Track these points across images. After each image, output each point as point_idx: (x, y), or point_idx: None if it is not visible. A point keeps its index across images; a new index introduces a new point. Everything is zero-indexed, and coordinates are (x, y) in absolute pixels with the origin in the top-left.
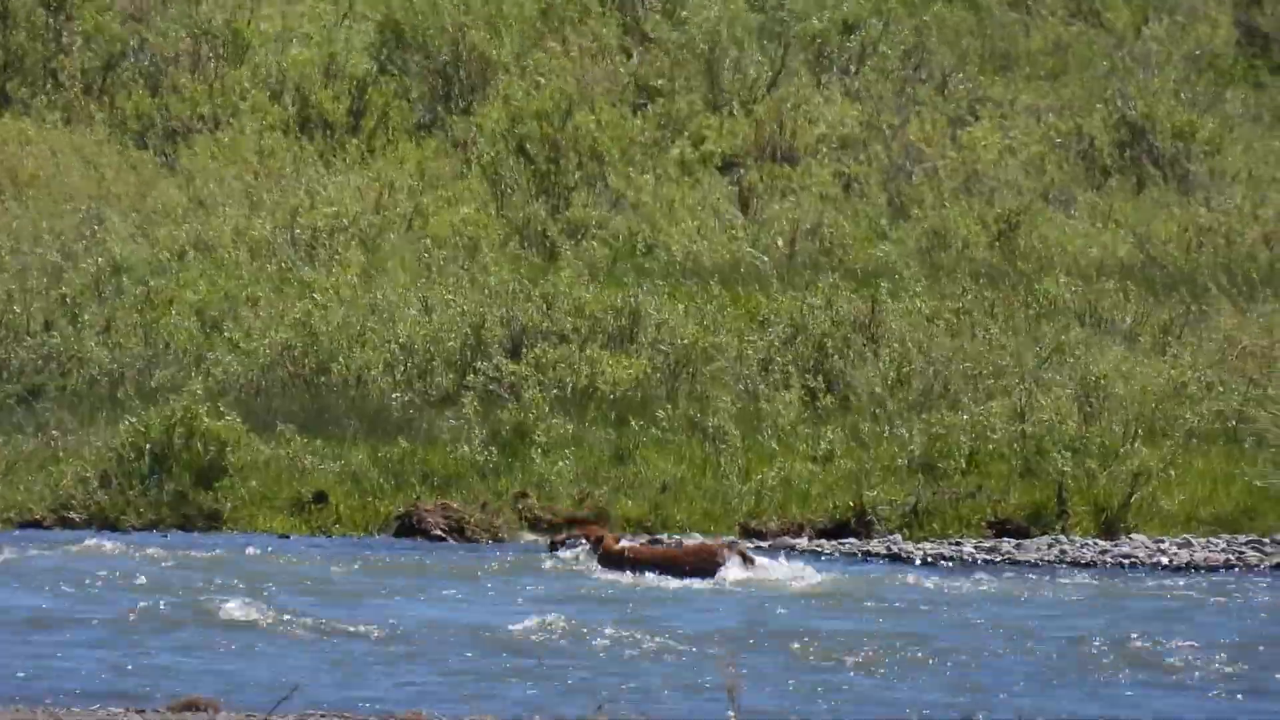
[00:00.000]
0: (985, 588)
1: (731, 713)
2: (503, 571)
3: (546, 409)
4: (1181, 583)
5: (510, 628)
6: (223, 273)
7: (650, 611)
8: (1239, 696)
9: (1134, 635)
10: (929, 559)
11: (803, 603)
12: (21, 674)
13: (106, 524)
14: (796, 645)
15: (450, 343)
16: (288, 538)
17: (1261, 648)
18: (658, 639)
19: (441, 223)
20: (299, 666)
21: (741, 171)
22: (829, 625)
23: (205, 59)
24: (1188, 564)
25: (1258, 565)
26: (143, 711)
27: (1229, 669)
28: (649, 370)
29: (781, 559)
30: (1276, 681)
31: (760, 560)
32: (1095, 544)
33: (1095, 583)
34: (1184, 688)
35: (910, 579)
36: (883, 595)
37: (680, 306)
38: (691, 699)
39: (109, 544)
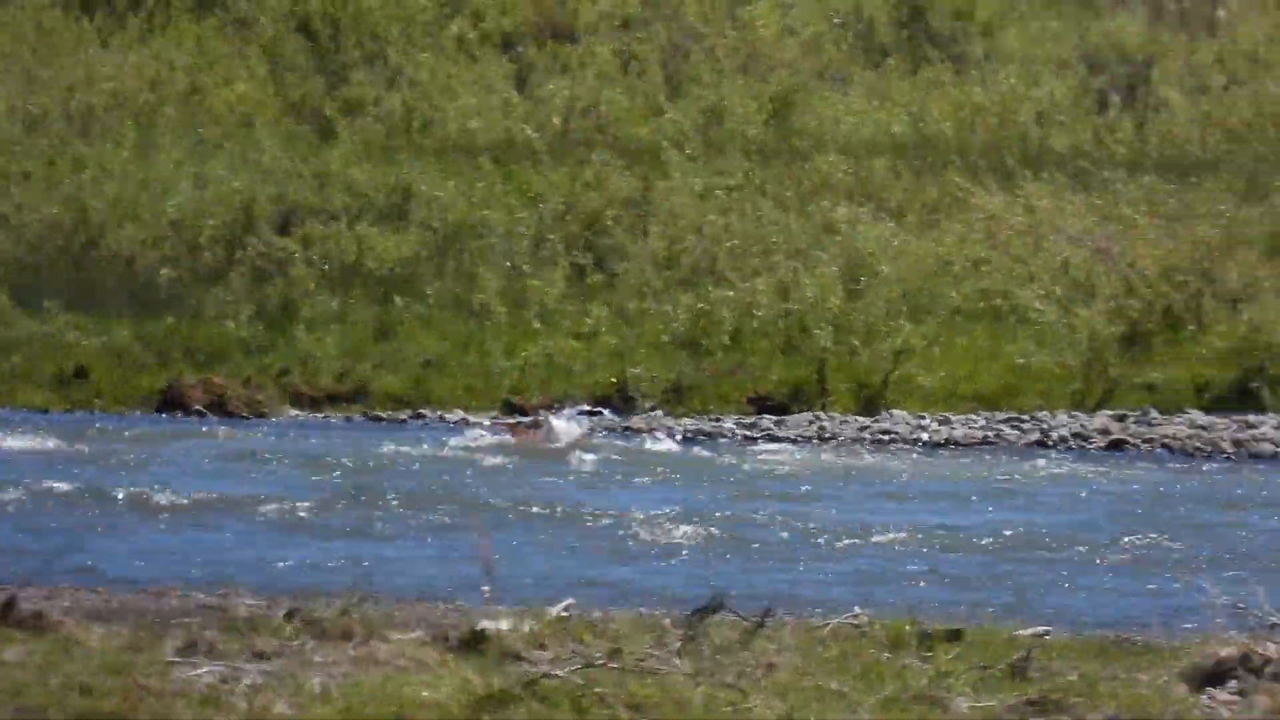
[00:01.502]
0: (735, 460)
1: (486, 587)
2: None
3: (313, 286)
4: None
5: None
6: None
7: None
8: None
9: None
10: (689, 434)
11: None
12: None
13: None
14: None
15: (220, 219)
16: (47, 412)
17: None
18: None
19: (218, 100)
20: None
21: (520, 49)
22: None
23: None
24: (947, 440)
25: (1015, 442)
26: None
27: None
28: (418, 248)
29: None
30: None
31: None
32: (855, 420)
33: (855, 459)
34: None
35: (664, 448)
36: (643, 464)
37: (451, 184)
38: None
39: None
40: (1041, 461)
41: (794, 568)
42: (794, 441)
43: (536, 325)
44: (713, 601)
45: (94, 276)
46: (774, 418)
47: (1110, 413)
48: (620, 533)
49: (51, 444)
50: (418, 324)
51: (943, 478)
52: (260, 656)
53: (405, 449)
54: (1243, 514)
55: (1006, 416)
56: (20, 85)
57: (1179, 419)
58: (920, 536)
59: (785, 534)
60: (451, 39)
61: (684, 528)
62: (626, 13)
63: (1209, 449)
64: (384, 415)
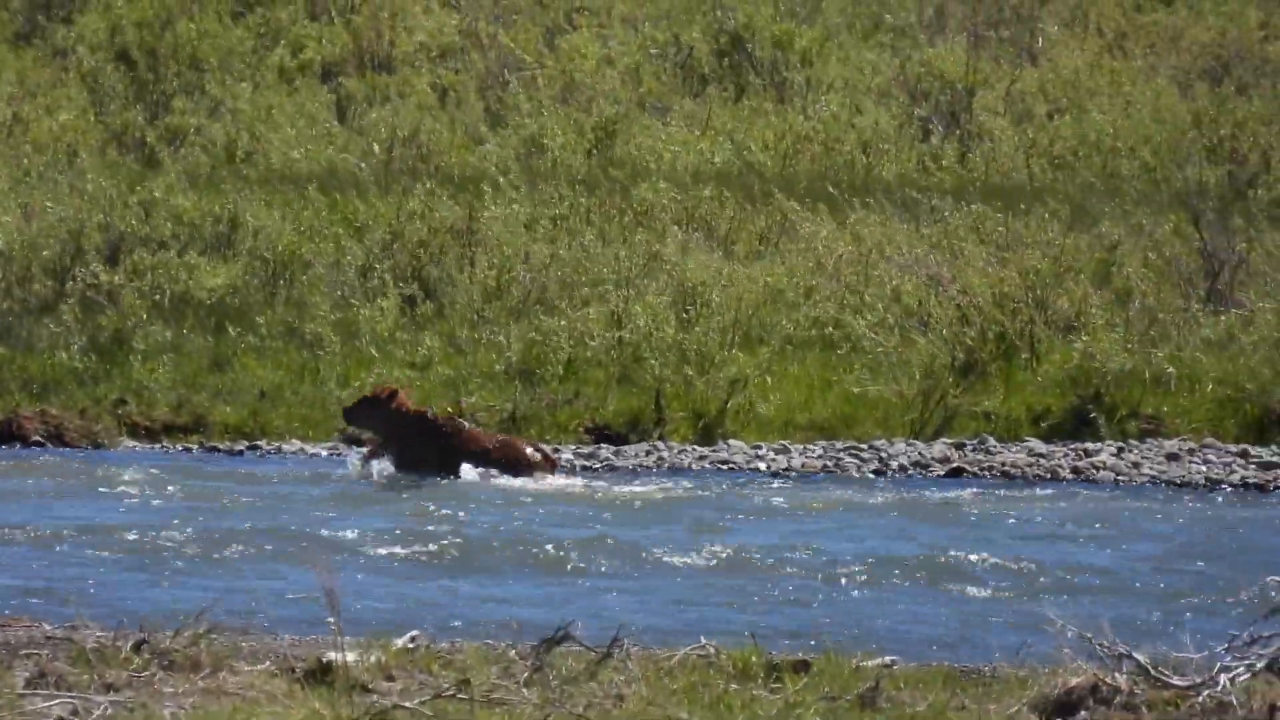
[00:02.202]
0: (582, 491)
1: (331, 619)
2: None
3: (145, 316)
4: (776, 485)
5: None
6: None
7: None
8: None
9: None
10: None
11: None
12: None
13: None
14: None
15: (48, 250)
16: None
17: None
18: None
19: (41, 129)
20: None
21: (340, 80)
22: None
23: None
24: (786, 469)
25: (856, 470)
26: None
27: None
28: (246, 277)
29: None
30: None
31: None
32: (694, 450)
33: (691, 486)
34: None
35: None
36: (479, 497)
37: (277, 213)
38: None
39: None
40: (878, 491)
41: (638, 595)
42: (633, 471)
43: (371, 354)
44: (558, 632)
45: None
46: (612, 448)
47: (949, 441)
48: (464, 559)
49: None
50: (251, 354)
51: (776, 505)
52: (110, 688)
53: (241, 483)
54: (1083, 541)
55: (845, 445)
56: None
57: (1017, 447)
58: (766, 561)
59: (625, 560)
60: (271, 69)
61: (529, 553)
62: (443, 43)
63: (1048, 475)
64: (221, 447)
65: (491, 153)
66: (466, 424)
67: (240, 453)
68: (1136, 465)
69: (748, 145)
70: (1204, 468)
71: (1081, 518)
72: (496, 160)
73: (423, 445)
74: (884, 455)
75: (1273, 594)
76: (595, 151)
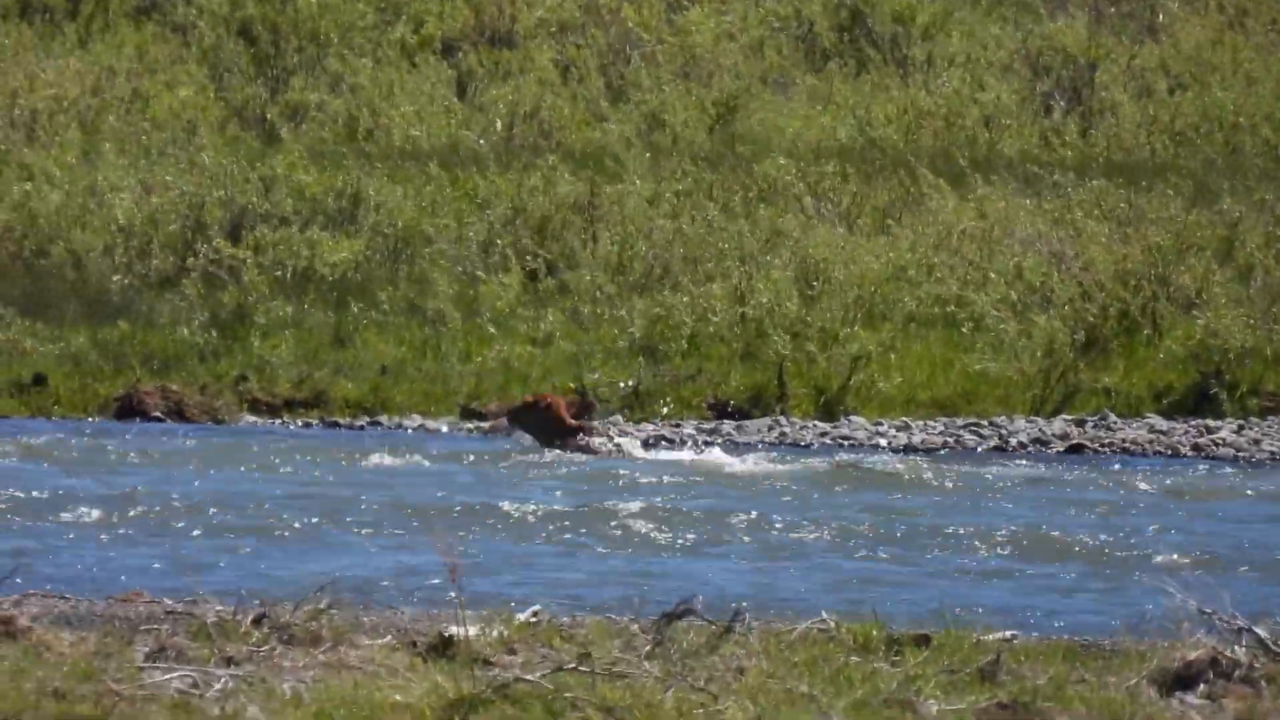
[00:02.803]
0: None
1: (453, 593)
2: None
3: (266, 292)
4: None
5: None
6: None
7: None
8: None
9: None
10: (650, 441)
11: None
12: None
13: None
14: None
15: (170, 225)
16: (7, 419)
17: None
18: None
19: (160, 106)
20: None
21: (460, 55)
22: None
23: None
24: (906, 446)
25: (975, 448)
26: None
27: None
28: (368, 253)
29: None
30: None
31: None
32: (815, 426)
33: (812, 462)
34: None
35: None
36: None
37: (399, 189)
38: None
39: None
40: (1000, 467)
41: (763, 570)
42: (754, 448)
43: (491, 331)
44: (680, 606)
45: (46, 284)
46: (734, 423)
47: (1069, 417)
48: (585, 534)
49: (13, 449)
50: (373, 330)
51: (896, 481)
52: (230, 661)
53: (377, 457)
54: (1205, 517)
55: (966, 422)
56: None
57: (1138, 423)
58: (885, 536)
59: (759, 537)
60: (392, 44)
61: (656, 530)
62: (563, 18)
63: (1169, 453)
64: (342, 422)
65: (613, 129)
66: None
67: (361, 428)
68: (1257, 442)
69: (870, 120)
70: None
71: (1202, 494)
72: (618, 136)
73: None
74: (1004, 432)
75: None
76: (717, 127)
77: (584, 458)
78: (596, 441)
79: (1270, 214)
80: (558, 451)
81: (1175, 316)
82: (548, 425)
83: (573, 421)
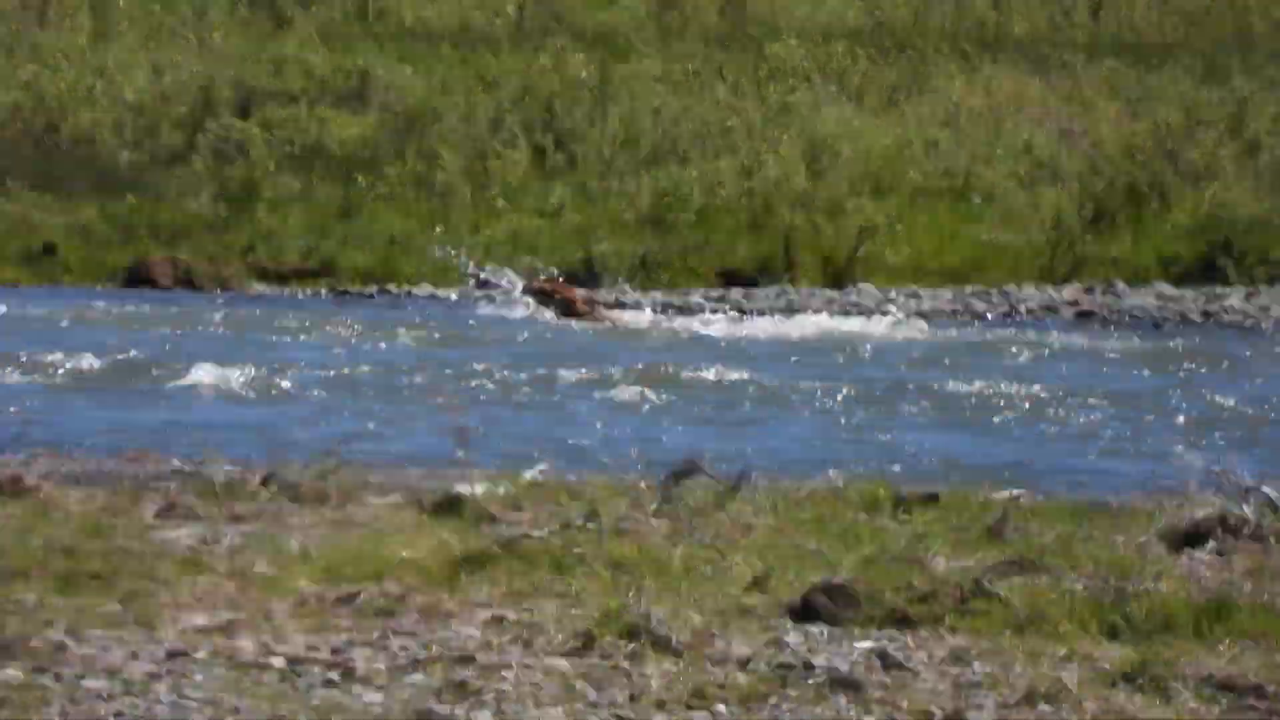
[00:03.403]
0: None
1: (461, 452)
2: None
3: (274, 167)
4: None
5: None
6: None
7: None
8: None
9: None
10: (658, 307)
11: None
12: None
13: None
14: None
15: (179, 104)
16: (17, 286)
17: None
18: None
19: None
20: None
21: None
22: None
23: None
24: (915, 313)
25: (985, 314)
26: None
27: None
28: (377, 129)
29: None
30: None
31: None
32: (823, 293)
33: (824, 327)
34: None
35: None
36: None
37: (409, 69)
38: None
39: None
40: (1009, 331)
41: (767, 430)
42: (763, 313)
43: (500, 204)
44: (687, 464)
45: (57, 159)
46: (742, 290)
47: (1078, 285)
48: (591, 394)
49: (23, 314)
50: (381, 203)
51: (904, 345)
52: (238, 519)
53: (372, 325)
54: (1214, 381)
55: (974, 290)
56: None
57: (1147, 290)
58: (893, 398)
59: (752, 396)
60: None
61: (655, 393)
62: None
63: (1177, 320)
64: (351, 290)
65: (624, 9)
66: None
67: (371, 296)
68: (1266, 308)
69: (879, 2)
70: None
71: (1210, 360)
72: (629, 17)
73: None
74: (1013, 299)
75: None
76: (728, 7)
77: (599, 326)
78: (616, 314)
79: (1279, 91)
80: (570, 321)
81: (1183, 190)
82: (563, 307)
83: (585, 307)
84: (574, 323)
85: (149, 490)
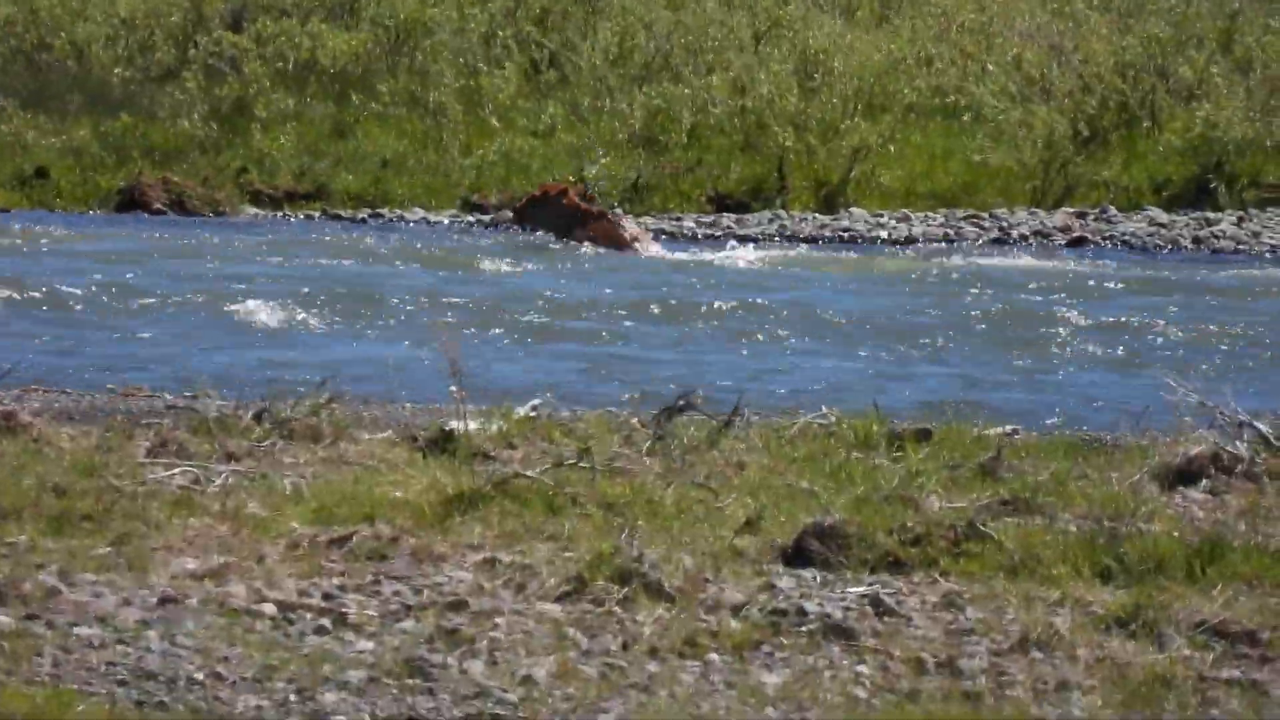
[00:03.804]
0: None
1: (454, 388)
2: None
3: (267, 84)
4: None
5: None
6: None
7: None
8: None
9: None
10: (650, 232)
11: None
12: None
13: None
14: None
15: (171, 17)
16: (8, 212)
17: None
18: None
19: None
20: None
21: None
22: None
23: None
24: (907, 238)
25: (976, 239)
26: None
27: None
28: (370, 44)
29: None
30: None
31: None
32: (815, 218)
33: (812, 255)
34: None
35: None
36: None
37: None
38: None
39: None
40: (1001, 259)
41: (759, 363)
42: (755, 240)
43: (493, 123)
44: (680, 400)
45: (48, 77)
46: (734, 215)
47: (1070, 210)
48: (580, 325)
49: (13, 243)
50: (374, 122)
51: (895, 273)
52: (231, 457)
53: (364, 250)
54: (1207, 311)
55: (966, 214)
56: None
57: (1139, 216)
58: (867, 328)
59: (744, 328)
60: None
61: (655, 324)
62: None
63: (1169, 246)
64: (344, 214)
65: None
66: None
67: (363, 220)
68: (1257, 234)
69: None
70: None
71: (1202, 288)
72: None
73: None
74: (1005, 224)
75: None
76: None
77: (589, 250)
78: (627, 221)
79: (1270, 5)
80: (571, 243)
81: (1174, 109)
82: (564, 214)
83: (588, 206)
84: (564, 245)
85: (141, 427)
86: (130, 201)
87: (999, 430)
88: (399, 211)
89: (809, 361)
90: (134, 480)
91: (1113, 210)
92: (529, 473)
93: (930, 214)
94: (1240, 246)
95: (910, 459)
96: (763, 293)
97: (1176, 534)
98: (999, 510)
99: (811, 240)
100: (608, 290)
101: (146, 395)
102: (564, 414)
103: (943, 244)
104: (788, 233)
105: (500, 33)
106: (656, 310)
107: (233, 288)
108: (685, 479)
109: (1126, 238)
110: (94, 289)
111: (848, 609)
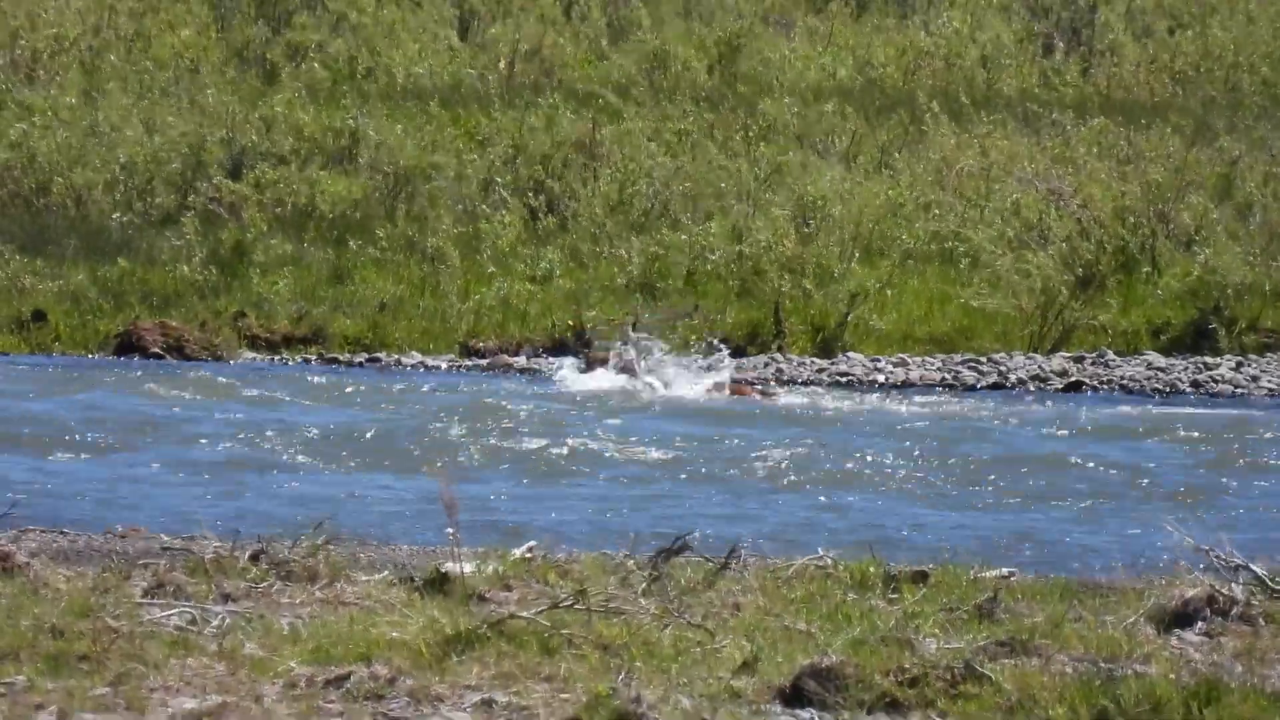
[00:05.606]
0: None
1: (450, 529)
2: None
3: (265, 229)
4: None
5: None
6: None
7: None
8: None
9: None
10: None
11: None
12: None
13: None
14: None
15: (170, 164)
16: (7, 355)
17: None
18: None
19: (162, 46)
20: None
21: None
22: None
23: None
24: (904, 382)
25: (974, 385)
26: None
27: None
28: (368, 190)
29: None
30: (997, 492)
31: None
32: (812, 363)
33: (814, 401)
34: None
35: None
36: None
37: (399, 128)
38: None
39: None
40: (996, 404)
41: (758, 507)
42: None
43: (491, 268)
44: (676, 542)
45: (46, 221)
46: (732, 360)
47: (1068, 354)
48: (577, 470)
49: (12, 385)
50: (372, 267)
51: (902, 416)
52: (228, 598)
53: (362, 395)
54: (1204, 455)
55: (964, 358)
56: None
57: (1136, 360)
58: (883, 472)
59: (738, 472)
60: None
61: (651, 467)
62: None
63: (1167, 390)
64: (341, 358)
65: (614, 67)
66: None
67: (360, 364)
68: (1255, 379)
69: (870, 60)
70: None
71: (1201, 432)
72: (619, 75)
73: None
74: (1003, 369)
75: None
76: (718, 66)
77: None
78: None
79: (1269, 152)
80: (555, 389)
81: (1174, 254)
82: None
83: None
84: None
85: (138, 568)
86: (128, 345)
87: (996, 573)
88: (396, 355)
89: (806, 502)
90: (131, 620)
91: (1111, 354)
92: (525, 614)
93: (928, 358)
94: (1239, 390)
95: (907, 600)
96: (763, 433)
97: (1173, 676)
98: (996, 651)
99: (809, 383)
100: (605, 432)
101: (144, 536)
102: (559, 555)
103: (940, 388)
104: (785, 377)
105: (499, 179)
106: (657, 455)
107: (226, 431)
108: (682, 620)
109: (1124, 382)
110: (91, 430)
111: None
